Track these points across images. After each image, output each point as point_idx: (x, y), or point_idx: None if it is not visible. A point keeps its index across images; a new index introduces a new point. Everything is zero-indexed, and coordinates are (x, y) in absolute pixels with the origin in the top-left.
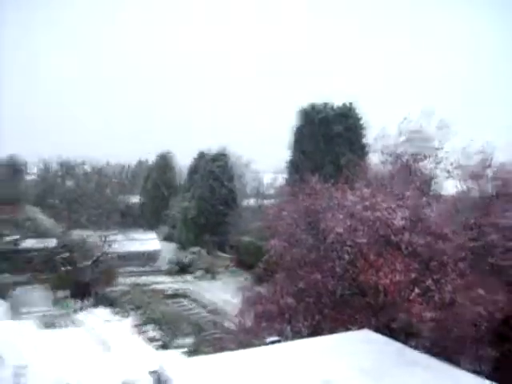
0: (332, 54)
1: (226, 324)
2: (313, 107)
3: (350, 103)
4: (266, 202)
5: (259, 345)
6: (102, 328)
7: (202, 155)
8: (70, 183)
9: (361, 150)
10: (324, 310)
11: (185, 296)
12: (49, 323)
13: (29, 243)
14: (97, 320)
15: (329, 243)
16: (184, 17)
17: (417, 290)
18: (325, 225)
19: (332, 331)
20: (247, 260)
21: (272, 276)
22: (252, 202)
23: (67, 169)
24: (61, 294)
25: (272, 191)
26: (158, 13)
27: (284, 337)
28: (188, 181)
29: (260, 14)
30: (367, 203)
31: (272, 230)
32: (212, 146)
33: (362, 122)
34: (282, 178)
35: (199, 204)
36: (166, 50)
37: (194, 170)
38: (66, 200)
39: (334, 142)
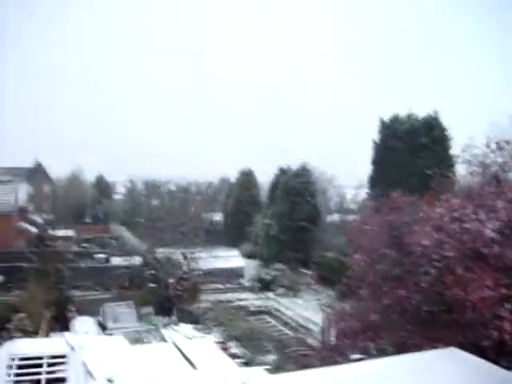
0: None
1: (309, 341)
2: (396, 118)
3: (435, 113)
4: (349, 217)
5: (343, 362)
6: (185, 344)
7: (283, 171)
8: (155, 202)
9: (447, 162)
10: (409, 326)
11: (267, 313)
12: (135, 339)
13: (115, 261)
14: (180, 336)
15: (414, 257)
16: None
17: (508, 306)
18: (409, 239)
19: (417, 349)
20: (330, 276)
21: (355, 292)
22: (335, 217)
23: (152, 188)
24: (146, 310)
25: (355, 206)
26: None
27: (368, 354)
28: (269, 197)
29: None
30: (455, 214)
31: (355, 245)
32: (292, 162)
33: (446, 132)
34: (364, 193)
35: (281, 220)
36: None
37: (275, 186)
38: (151, 218)
39: (419, 154)
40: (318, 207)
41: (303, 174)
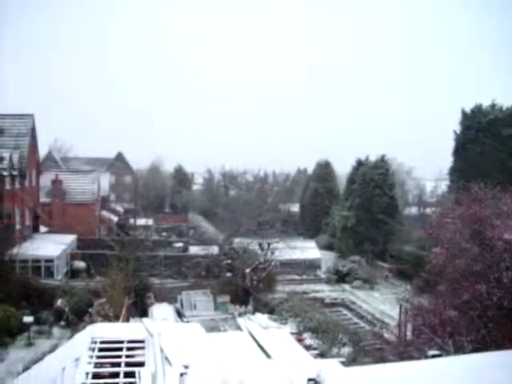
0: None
1: (385, 335)
2: (479, 109)
3: None
4: (428, 210)
5: (419, 358)
6: (261, 334)
7: (361, 163)
8: (232, 192)
9: None
10: (489, 323)
11: (342, 305)
12: (211, 327)
13: (193, 250)
14: (256, 326)
15: (496, 252)
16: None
17: None
18: (492, 233)
19: (498, 347)
20: (407, 270)
21: (433, 287)
22: (414, 210)
23: (230, 178)
24: (222, 299)
25: (434, 199)
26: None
27: (445, 351)
28: (347, 189)
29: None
30: None
31: (434, 238)
32: (370, 154)
33: None
34: (444, 186)
35: (359, 213)
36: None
37: (353, 178)
38: (229, 209)
39: (503, 145)
40: (395, 200)
41: (381, 165)
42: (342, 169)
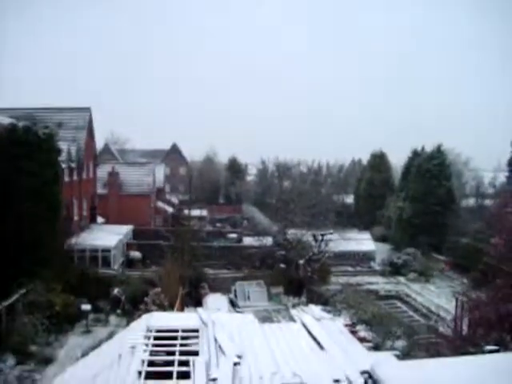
0: None
1: (440, 329)
2: None
3: None
4: (486, 201)
5: (475, 353)
6: (314, 325)
7: (417, 153)
8: (286, 184)
9: None
10: None
11: (397, 298)
12: (265, 317)
13: (247, 241)
14: (309, 317)
15: None
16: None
17: None
18: None
19: None
20: (464, 263)
21: (491, 281)
22: (471, 201)
23: (284, 170)
24: (275, 290)
25: (492, 190)
26: None
27: (503, 346)
28: (402, 180)
29: None
30: None
31: (493, 229)
32: (426, 144)
33: None
34: (503, 177)
35: (414, 204)
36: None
37: (408, 168)
38: (282, 200)
39: None
40: (452, 191)
41: (438, 156)
42: (397, 159)
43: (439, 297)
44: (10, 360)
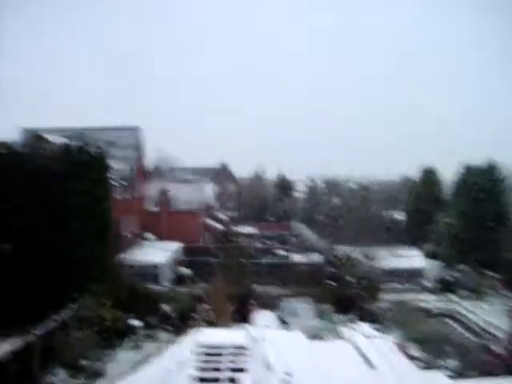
0: None
1: (493, 348)
2: None
3: None
4: None
5: None
6: (364, 343)
7: (468, 169)
8: (335, 200)
9: None
10: None
11: (448, 316)
12: (313, 335)
13: (296, 258)
14: (359, 335)
15: None
16: None
17: None
18: None
19: None
20: None
21: None
22: None
23: (332, 186)
24: (324, 307)
25: None
26: None
27: None
28: (453, 196)
29: None
30: None
31: None
32: (478, 159)
33: None
34: None
35: (466, 220)
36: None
37: (459, 184)
38: (331, 216)
39: None
40: (506, 206)
41: (490, 171)
42: (448, 175)
43: (492, 315)
44: (62, 374)
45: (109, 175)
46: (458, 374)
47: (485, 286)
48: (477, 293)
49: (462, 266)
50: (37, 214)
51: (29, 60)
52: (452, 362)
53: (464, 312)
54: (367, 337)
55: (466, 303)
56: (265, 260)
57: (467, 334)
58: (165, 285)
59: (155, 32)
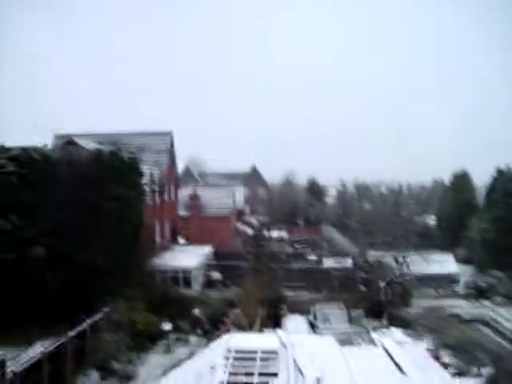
0: None
1: None
2: None
3: None
4: None
5: None
6: (395, 349)
7: (501, 173)
8: (366, 205)
9: None
10: None
11: (482, 323)
12: (344, 340)
13: (327, 263)
14: (390, 340)
15: None
16: None
17: None
18: None
19: None
20: None
21: None
22: None
23: (363, 191)
24: (355, 312)
25: None
26: None
27: None
28: (486, 200)
29: None
30: None
31: None
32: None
33: None
34: None
35: (500, 225)
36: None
37: (492, 188)
38: (362, 221)
39: None
40: None
41: None
42: (481, 179)
43: None
44: (94, 376)
45: (141, 180)
46: (493, 382)
47: None
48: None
49: (496, 272)
50: (70, 219)
51: None
52: (486, 370)
53: (498, 318)
54: (399, 342)
55: (500, 310)
56: (296, 265)
57: (502, 342)
58: (196, 289)
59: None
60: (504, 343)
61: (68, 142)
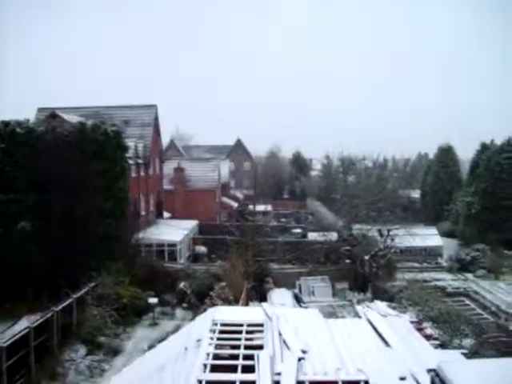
0: None
1: (511, 327)
2: None
3: None
4: None
5: None
6: (379, 321)
7: (485, 147)
8: (350, 178)
9: None
10: None
11: (465, 295)
12: (329, 313)
13: (312, 236)
14: (375, 313)
15: None
16: None
17: None
18: None
19: None
20: None
21: None
22: None
23: (348, 164)
24: (340, 285)
25: None
26: None
27: None
28: (470, 174)
29: None
30: None
31: None
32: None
33: None
34: None
35: (483, 199)
36: None
37: (476, 162)
38: (347, 195)
39: None
40: None
41: (508, 149)
42: (465, 153)
43: (510, 294)
44: (81, 350)
45: (125, 153)
46: (474, 353)
47: (503, 266)
48: (495, 272)
49: (479, 245)
50: (53, 192)
51: None
52: (468, 342)
53: (481, 291)
54: (383, 315)
55: (483, 282)
56: (281, 238)
57: (484, 314)
58: (182, 263)
59: None
60: (486, 315)
61: (51, 116)
